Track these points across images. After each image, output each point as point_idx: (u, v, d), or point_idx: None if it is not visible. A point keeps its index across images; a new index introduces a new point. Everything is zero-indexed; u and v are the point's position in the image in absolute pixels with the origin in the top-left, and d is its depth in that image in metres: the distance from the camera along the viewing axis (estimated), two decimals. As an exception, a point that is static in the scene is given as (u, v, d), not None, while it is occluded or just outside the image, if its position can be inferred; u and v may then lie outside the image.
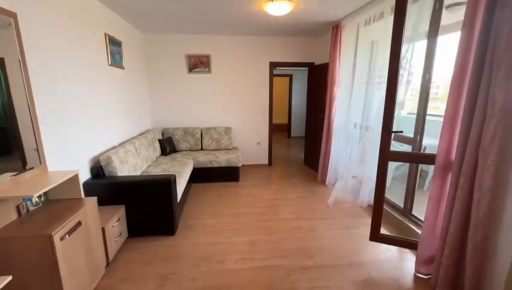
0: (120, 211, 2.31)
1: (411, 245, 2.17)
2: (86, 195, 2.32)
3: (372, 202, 2.32)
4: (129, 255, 2.24)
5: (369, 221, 2.37)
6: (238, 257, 2.21)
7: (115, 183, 2.41)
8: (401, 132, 2.06)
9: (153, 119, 4.57)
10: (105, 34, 2.83)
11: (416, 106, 2.37)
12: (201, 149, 4.47)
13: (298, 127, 7.89)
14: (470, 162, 1.54)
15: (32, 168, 1.73)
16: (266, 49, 4.56)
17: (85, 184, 2.34)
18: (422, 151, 2.60)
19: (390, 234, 2.45)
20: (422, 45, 2.20)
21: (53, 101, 1.99)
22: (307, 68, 4.81)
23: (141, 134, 3.82)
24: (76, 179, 1.86)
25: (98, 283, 1.90)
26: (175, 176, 2.58)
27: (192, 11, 3.11)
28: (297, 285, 1.89)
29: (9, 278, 1.18)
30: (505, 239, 1.50)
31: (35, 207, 1.71)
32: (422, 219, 2.02)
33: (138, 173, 2.97)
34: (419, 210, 2.48)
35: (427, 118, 2.35)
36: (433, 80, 2.23)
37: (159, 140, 4.08)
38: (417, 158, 2.31)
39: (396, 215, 2.69)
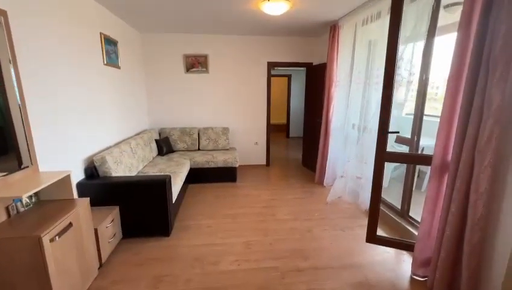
0: (114, 212, 2.29)
1: (408, 247, 2.15)
2: (80, 196, 2.30)
3: (370, 203, 2.30)
4: (123, 256, 2.22)
5: (366, 222, 2.35)
6: (233, 258, 2.19)
7: (109, 183, 2.38)
8: (398, 132, 2.04)
9: (150, 119, 4.54)
10: (100, 33, 2.80)
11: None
12: (199, 149, 4.45)
13: (297, 128, 7.86)
14: (467, 163, 1.52)
15: (27, 166, 1.72)
16: (264, 49, 4.54)
17: (79, 185, 2.32)
18: (420, 152, 2.58)
19: (387, 236, 2.43)
20: (422, 45, 2.17)
21: (46, 100, 1.96)
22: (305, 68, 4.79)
23: (138, 134, 3.79)
24: (68, 180, 1.83)
25: (90, 285, 1.87)
26: (170, 176, 2.55)
27: (190, 10, 3.09)
28: (291, 287, 1.87)
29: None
30: (501, 241, 1.48)
31: (26, 208, 1.68)
32: (419, 220, 2.00)
33: (134, 173, 2.94)
34: (417, 211, 2.45)
35: (427, 118, 2.33)
36: (432, 80, 2.21)
37: (155, 140, 4.05)
38: (413, 159, 2.30)
39: (393, 216, 2.67)
